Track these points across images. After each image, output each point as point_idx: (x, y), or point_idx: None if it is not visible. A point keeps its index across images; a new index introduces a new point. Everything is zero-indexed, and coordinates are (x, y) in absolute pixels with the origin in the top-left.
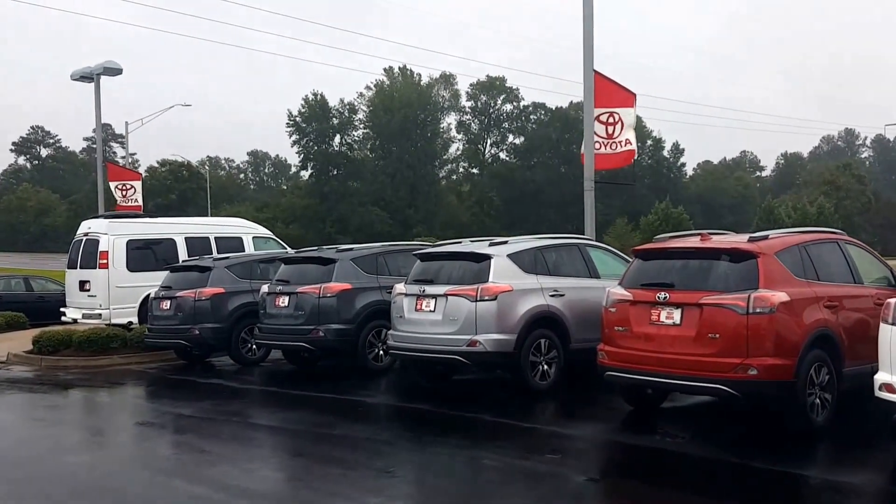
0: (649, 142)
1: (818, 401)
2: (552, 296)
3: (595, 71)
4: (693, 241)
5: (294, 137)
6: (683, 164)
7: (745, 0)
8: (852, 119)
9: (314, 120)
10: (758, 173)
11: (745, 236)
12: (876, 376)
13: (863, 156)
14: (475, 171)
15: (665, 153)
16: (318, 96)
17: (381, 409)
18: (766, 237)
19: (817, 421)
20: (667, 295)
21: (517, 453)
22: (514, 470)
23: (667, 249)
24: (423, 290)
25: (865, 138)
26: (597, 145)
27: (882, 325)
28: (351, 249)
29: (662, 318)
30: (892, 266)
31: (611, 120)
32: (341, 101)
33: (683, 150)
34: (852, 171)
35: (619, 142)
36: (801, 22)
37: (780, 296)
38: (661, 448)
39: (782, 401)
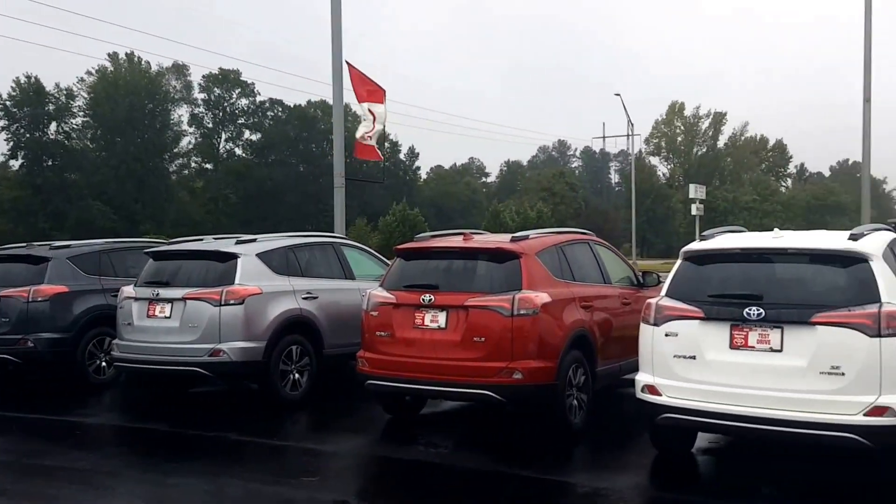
0: (387, 144)
1: (575, 402)
2: (305, 298)
3: (347, 62)
4: (456, 241)
5: (2, 123)
6: (418, 168)
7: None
8: (564, 130)
9: (26, 105)
10: (484, 179)
11: (508, 236)
12: (637, 377)
13: (573, 165)
14: (209, 166)
15: (402, 156)
16: (32, 79)
17: (105, 431)
18: (526, 237)
19: (575, 423)
20: (432, 297)
21: (268, 477)
22: (265, 497)
23: (430, 249)
24: (157, 294)
25: (576, 149)
26: (359, 136)
27: (643, 326)
28: (68, 247)
29: (427, 322)
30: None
31: (368, 113)
32: (57, 85)
33: (419, 153)
34: (566, 179)
35: (373, 135)
36: (518, 33)
37: (543, 297)
38: (425, 461)
39: (545, 404)
